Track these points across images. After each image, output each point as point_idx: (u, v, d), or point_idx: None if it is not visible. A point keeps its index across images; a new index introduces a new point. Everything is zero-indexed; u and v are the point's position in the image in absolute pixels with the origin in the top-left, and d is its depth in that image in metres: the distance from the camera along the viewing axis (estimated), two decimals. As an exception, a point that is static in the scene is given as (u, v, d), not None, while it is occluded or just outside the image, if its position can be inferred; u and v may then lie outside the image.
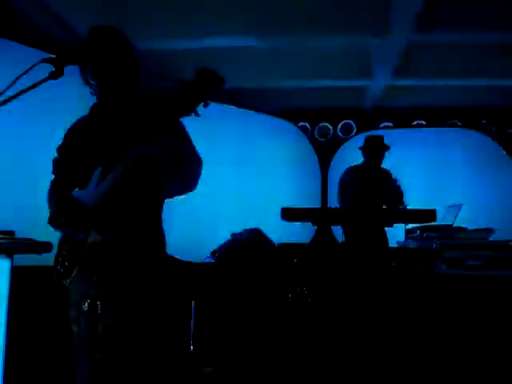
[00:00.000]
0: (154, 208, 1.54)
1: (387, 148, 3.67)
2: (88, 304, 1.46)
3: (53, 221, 1.49)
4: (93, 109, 1.60)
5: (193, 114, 1.36)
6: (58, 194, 1.56)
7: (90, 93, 1.52)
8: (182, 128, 1.51)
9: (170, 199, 1.57)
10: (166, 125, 1.34)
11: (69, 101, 2.84)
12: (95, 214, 1.42)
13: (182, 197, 1.54)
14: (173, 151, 1.41)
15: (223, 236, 3.30)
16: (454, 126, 5.04)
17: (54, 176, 1.63)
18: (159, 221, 1.56)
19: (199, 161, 1.50)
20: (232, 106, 4.56)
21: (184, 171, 1.45)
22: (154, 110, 1.41)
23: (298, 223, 3.42)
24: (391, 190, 3.60)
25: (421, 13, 3.03)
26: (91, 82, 1.48)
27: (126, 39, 1.54)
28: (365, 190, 3.57)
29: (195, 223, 4.03)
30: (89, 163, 1.45)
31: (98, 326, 1.44)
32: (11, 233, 1.99)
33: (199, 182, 1.52)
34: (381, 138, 3.72)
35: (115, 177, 1.38)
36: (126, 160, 1.37)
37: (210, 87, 1.29)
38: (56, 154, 1.63)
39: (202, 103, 1.32)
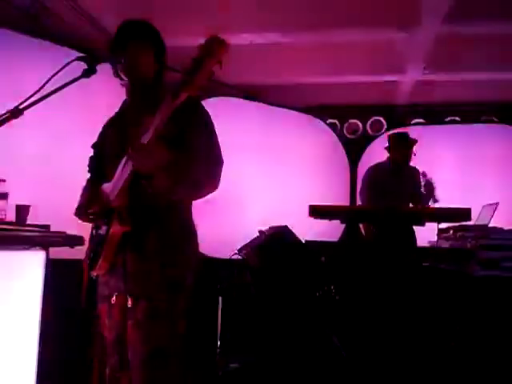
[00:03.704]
0: (179, 202, 1.48)
1: (412, 144, 3.52)
2: (116, 297, 1.46)
3: (77, 211, 1.52)
4: (123, 104, 1.61)
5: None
6: (88, 189, 1.59)
7: (121, 84, 1.52)
8: (209, 123, 1.49)
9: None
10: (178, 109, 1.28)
11: (101, 97, 2.91)
12: (115, 204, 1.40)
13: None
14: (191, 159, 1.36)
15: (250, 233, 3.30)
16: (490, 121, 4.85)
17: (89, 173, 1.66)
18: (186, 213, 1.51)
19: (219, 161, 1.45)
20: (260, 103, 4.55)
21: (202, 170, 1.39)
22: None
23: (325, 221, 3.37)
24: (416, 189, 3.46)
25: (452, 3, 2.93)
26: (123, 77, 1.48)
27: (158, 34, 1.54)
28: (387, 189, 3.45)
29: (222, 220, 4.04)
30: (118, 157, 1.44)
31: (127, 320, 1.44)
32: (47, 226, 2.06)
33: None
34: (404, 134, 3.58)
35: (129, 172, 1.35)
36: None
37: (215, 55, 1.23)
38: (92, 152, 1.66)
39: (209, 75, 1.25)
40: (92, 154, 1.67)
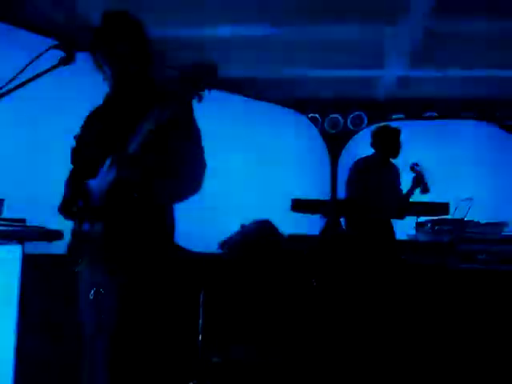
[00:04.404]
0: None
1: (397, 134, 3.53)
2: (94, 292, 1.46)
3: (61, 209, 1.50)
4: (106, 97, 1.58)
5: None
6: (72, 183, 1.56)
7: (103, 78, 1.50)
8: (195, 129, 1.48)
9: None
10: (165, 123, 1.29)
11: (83, 89, 2.83)
12: (99, 203, 1.41)
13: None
14: (171, 159, 1.37)
15: (231, 227, 3.29)
16: (468, 118, 4.95)
17: (72, 165, 1.63)
18: (166, 211, 1.52)
19: (202, 165, 1.46)
20: (241, 96, 4.52)
21: (183, 178, 1.41)
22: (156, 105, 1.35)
23: (307, 214, 3.39)
24: (399, 184, 3.53)
25: (435, 1, 2.96)
26: (104, 69, 1.45)
27: (140, 25, 1.51)
28: (376, 181, 3.50)
29: (203, 214, 4.02)
30: (101, 153, 1.43)
31: (101, 315, 1.43)
32: (22, 220, 2.00)
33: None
34: (386, 127, 3.62)
35: (112, 175, 1.36)
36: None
37: (204, 79, 1.26)
38: (74, 143, 1.63)
39: (195, 97, 1.29)
40: (74, 145, 1.64)
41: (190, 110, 1.46)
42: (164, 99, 1.26)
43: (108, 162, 1.38)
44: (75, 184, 1.53)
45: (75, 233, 1.50)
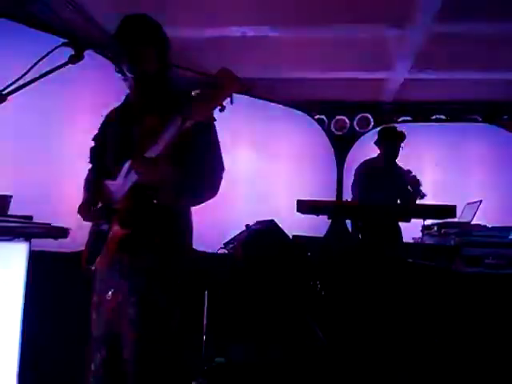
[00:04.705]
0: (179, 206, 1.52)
1: (401, 138, 3.57)
2: (112, 293, 1.47)
3: (81, 209, 1.52)
4: (126, 99, 1.59)
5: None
6: (91, 184, 1.58)
7: (124, 80, 1.50)
8: (214, 132, 1.50)
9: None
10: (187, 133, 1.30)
11: (84, 84, 2.84)
12: (119, 206, 1.43)
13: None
14: (194, 168, 1.40)
15: (237, 227, 3.28)
16: (475, 121, 4.92)
17: (91, 164, 1.66)
18: (184, 214, 1.54)
19: (222, 170, 1.50)
20: (249, 97, 4.52)
21: (205, 183, 1.45)
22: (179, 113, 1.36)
23: (313, 216, 3.38)
24: (405, 186, 3.53)
25: (443, 3, 2.95)
26: (126, 70, 1.47)
27: (161, 27, 1.52)
28: (379, 184, 3.49)
29: (208, 214, 4.01)
30: (121, 154, 1.46)
31: (119, 317, 1.44)
32: (29, 217, 2.00)
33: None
34: (393, 129, 3.63)
35: (132, 179, 1.38)
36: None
37: (227, 91, 1.26)
38: (93, 143, 1.66)
39: (218, 107, 1.28)
40: (93, 145, 1.67)
41: (212, 116, 1.47)
42: (188, 105, 1.26)
43: (128, 165, 1.40)
44: (94, 184, 1.56)
45: (94, 233, 1.52)
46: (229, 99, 1.27)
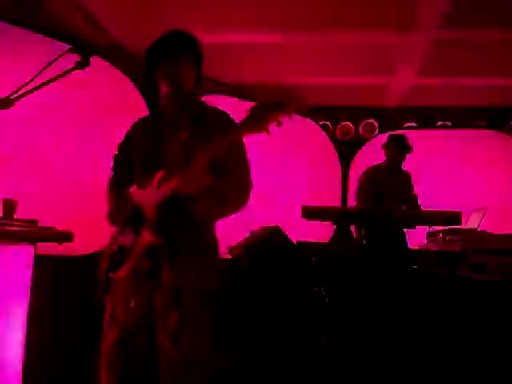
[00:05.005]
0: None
1: (410, 149, 3.59)
2: (135, 301, 1.45)
3: (110, 217, 1.53)
4: (157, 111, 1.60)
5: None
6: (117, 192, 1.58)
7: (154, 93, 1.52)
8: (245, 152, 1.55)
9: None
10: (230, 143, 1.36)
11: (90, 90, 2.86)
12: (149, 215, 1.43)
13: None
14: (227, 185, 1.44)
15: (241, 233, 3.28)
16: (480, 127, 4.90)
17: (112, 172, 1.66)
18: (213, 229, 1.57)
19: (250, 187, 1.53)
20: (252, 102, 4.52)
21: (238, 197, 1.50)
22: (221, 125, 1.43)
23: (317, 222, 3.37)
24: (410, 191, 3.53)
25: (447, 10, 2.95)
26: (161, 86, 1.49)
27: (201, 46, 1.54)
28: (383, 190, 3.49)
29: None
30: (150, 166, 1.47)
31: (155, 326, 1.43)
32: (35, 222, 2.02)
33: None
34: (405, 137, 3.64)
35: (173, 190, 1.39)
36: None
37: (286, 109, 1.31)
38: (117, 151, 1.66)
39: (275, 123, 1.33)
40: (116, 153, 1.66)
41: (267, 129, 1.51)
42: (246, 117, 1.32)
43: (161, 176, 1.41)
44: (118, 192, 1.56)
45: (117, 240, 1.51)
46: (287, 116, 1.29)
